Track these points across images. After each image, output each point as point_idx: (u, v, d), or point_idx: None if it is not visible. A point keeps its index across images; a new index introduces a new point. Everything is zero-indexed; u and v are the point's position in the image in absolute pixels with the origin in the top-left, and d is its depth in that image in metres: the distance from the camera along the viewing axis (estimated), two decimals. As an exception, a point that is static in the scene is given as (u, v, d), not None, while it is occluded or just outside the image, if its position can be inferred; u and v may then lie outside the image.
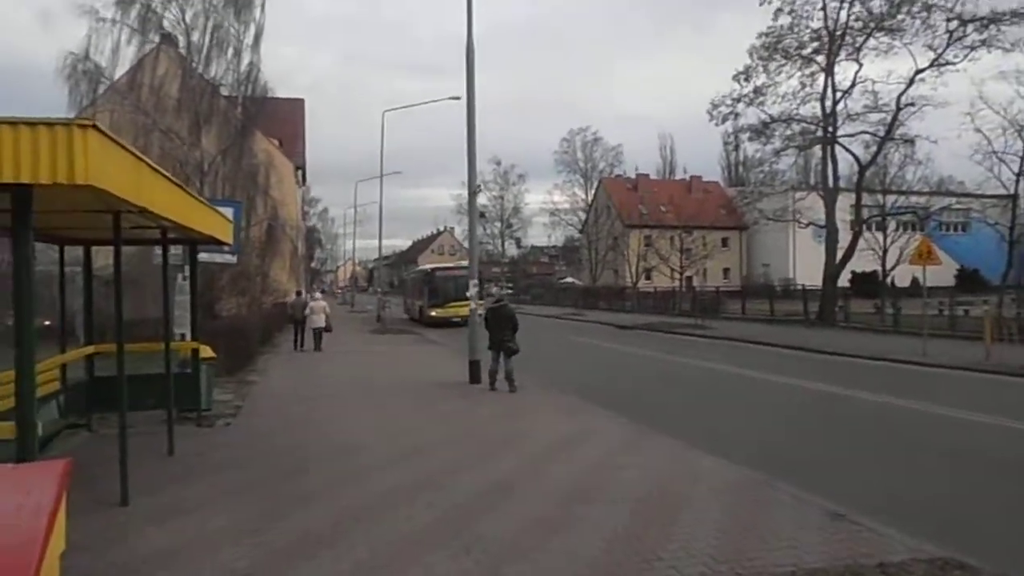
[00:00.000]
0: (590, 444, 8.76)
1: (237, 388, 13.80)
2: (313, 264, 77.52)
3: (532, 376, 15.01)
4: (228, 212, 10.34)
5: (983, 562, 4.88)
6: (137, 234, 7.48)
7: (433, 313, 33.97)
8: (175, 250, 10.57)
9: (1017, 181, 30.33)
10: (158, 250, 9.39)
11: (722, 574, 4.75)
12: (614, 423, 10.12)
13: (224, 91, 22.52)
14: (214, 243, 9.55)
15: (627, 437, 9.15)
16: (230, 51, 21.91)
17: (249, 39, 22.08)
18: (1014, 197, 31.43)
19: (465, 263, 23.43)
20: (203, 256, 12.38)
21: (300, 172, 43.33)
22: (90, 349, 9.38)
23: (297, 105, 44.69)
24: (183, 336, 10.44)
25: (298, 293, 26.86)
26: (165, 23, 21.59)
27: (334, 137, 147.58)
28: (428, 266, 42.22)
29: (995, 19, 27.10)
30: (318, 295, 27.14)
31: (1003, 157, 28.97)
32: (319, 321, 22.26)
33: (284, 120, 40.04)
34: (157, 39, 21.58)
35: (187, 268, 10.40)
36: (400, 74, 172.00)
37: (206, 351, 10.52)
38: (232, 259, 14.59)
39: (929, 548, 5.16)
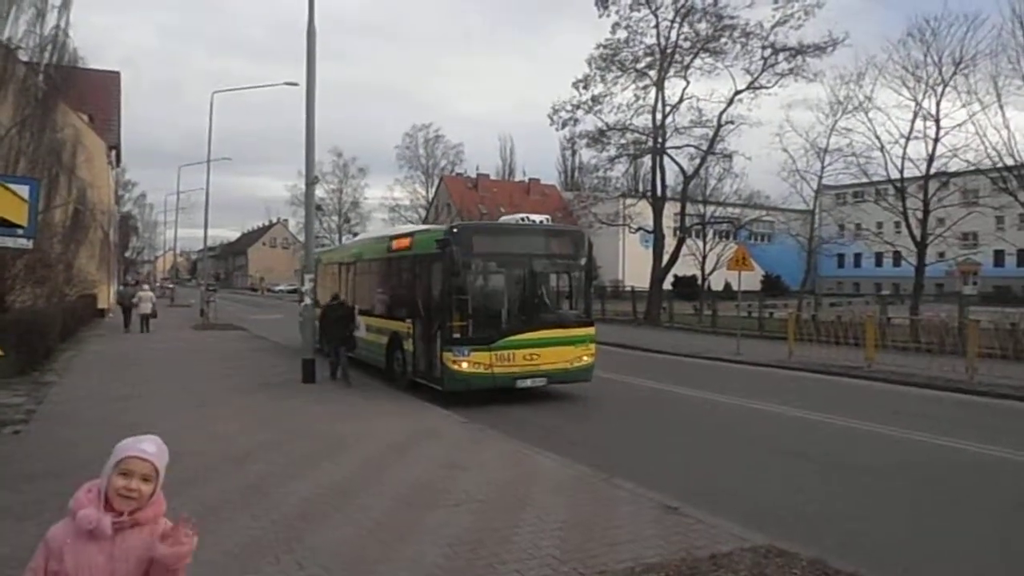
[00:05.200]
0: (429, 444, 8.55)
1: (31, 390, 12.24)
2: (128, 253, 71.05)
3: (368, 374, 14.57)
4: (22, 190, 9.03)
5: (801, 545, 5.24)
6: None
7: (463, 365, 11.71)
8: (-48, 231, 9.12)
9: (815, 198, 33.81)
10: (-72, 230, 8.06)
11: (565, 574, 4.72)
12: (453, 422, 9.98)
13: (23, 56, 19.92)
14: (3, 225, 8.34)
15: (466, 437, 9.03)
16: (31, 11, 19.40)
17: (56, -1, 19.69)
18: (812, 212, 35.05)
19: (537, 216, 13.61)
20: (-11, 240, 10.88)
21: (114, 152, 39.41)
22: None
23: (111, 79, 40.54)
24: (-39, 331, 9.03)
25: (126, 284, 32.73)
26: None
27: (155, 118, 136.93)
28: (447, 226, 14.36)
29: (801, 51, 30.34)
30: (146, 287, 32.07)
31: (804, 175, 32.12)
32: (146, 308, 26.21)
33: (96, 94, 36.12)
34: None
35: (-32, 252, 9.01)
36: (230, 57, 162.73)
37: (-11, 348, 9.25)
38: (27, 244, 12.81)
39: (752, 536, 5.46)
